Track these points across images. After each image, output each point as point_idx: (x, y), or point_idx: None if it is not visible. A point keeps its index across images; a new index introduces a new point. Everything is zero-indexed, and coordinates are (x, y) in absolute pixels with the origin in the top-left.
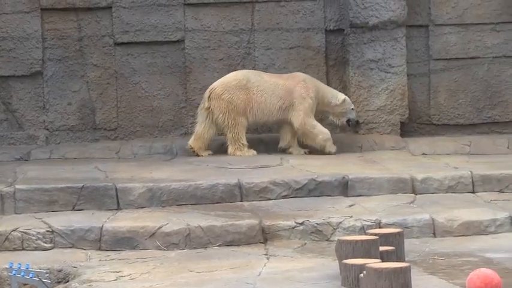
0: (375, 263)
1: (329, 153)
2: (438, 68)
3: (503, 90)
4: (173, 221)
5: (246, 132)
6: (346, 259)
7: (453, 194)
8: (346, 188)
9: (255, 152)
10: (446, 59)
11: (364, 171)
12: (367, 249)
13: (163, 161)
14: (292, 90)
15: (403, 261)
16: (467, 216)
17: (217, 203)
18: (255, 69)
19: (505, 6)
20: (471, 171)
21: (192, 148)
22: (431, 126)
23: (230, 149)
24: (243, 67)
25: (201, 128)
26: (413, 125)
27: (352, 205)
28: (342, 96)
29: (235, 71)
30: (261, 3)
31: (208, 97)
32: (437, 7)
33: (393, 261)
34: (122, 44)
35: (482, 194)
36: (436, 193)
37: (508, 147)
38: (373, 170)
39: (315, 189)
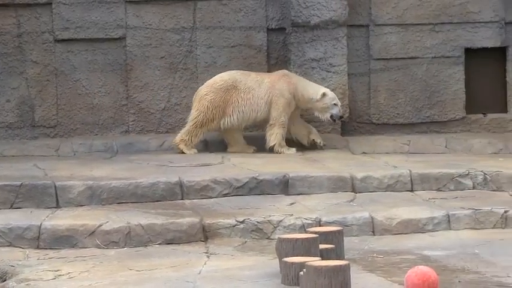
0: (314, 261)
1: (277, 152)
2: (378, 68)
3: (441, 90)
4: (113, 219)
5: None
6: (286, 257)
7: (392, 193)
8: (287, 186)
9: (195, 151)
10: (386, 58)
11: (304, 170)
12: (307, 247)
13: (103, 159)
14: (274, 86)
15: (343, 259)
16: (405, 215)
17: (158, 201)
18: (196, 68)
19: (443, 7)
20: (410, 170)
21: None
22: (371, 126)
23: (177, 137)
24: (185, 65)
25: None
26: (353, 124)
27: (292, 203)
28: (321, 91)
29: (178, 69)
30: (203, 2)
31: (194, 99)
32: (378, 7)
33: (333, 259)
34: (62, 40)
35: (420, 193)
36: (376, 191)
37: (446, 147)
38: (314, 168)
39: (256, 187)
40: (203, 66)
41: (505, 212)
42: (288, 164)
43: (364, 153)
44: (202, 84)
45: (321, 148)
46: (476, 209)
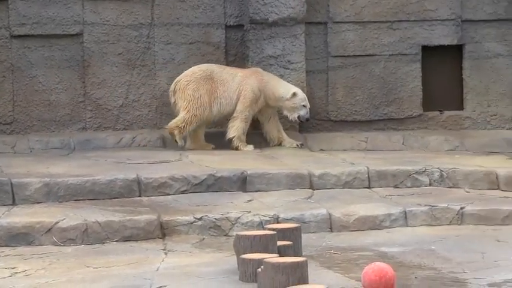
0: (272, 258)
1: (236, 149)
2: (336, 65)
3: (398, 88)
4: (70, 216)
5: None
6: (244, 254)
7: (350, 189)
8: (245, 183)
9: (183, 142)
10: (344, 56)
11: (262, 167)
12: (265, 244)
13: (60, 155)
14: (245, 81)
15: (301, 255)
16: (363, 211)
17: (115, 198)
18: (154, 64)
19: (400, 5)
20: (367, 167)
21: (192, 149)
22: (329, 123)
23: (170, 124)
24: (143, 61)
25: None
26: (311, 121)
27: (250, 200)
28: (292, 90)
29: (135, 66)
30: None
31: (173, 90)
32: (336, 5)
33: (291, 256)
34: (19, 36)
35: (378, 189)
36: (333, 188)
37: (403, 144)
38: (272, 165)
39: (214, 184)
40: (161, 63)
41: (461, 208)
42: (246, 161)
43: (322, 150)
44: (160, 81)
45: (300, 148)
46: (432, 206)
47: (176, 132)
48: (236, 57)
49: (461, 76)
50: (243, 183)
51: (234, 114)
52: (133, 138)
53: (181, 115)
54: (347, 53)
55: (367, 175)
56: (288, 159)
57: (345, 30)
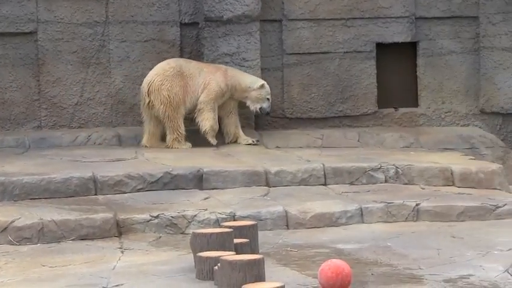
0: (229, 256)
1: (209, 143)
2: (291, 63)
3: (353, 85)
4: (26, 215)
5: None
6: (200, 252)
7: (306, 187)
8: (201, 181)
9: (190, 145)
10: (299, 53)
11: (218, 164)
12: (221, 242)
13: (15, 154)
14: (211, 76)
15: (257, 253)
16: (319, 209)
17: (71, 196)
18: (109, 62)
19: (355, 2)
20: (323, 164)
21: (148, 147)
22: (284, 120)
23: (168, 140)
24: (97, 59)
25: (151, 126)
26: (267, 119)
27: (207, 198)
28: (260, 82)
29: (90, 64)
30: None
31: (147, 91)
32: (290, 2)
33: (247, 254)
34: None
35: (333, 187)
36: (290, 186)
37: (358, 141)
38: (228, 163)
39: (170, 182)
40: (116, 61)
41: (417, 205)
42: (202, 158)
43: (277, 147)
44: (115, 79)
45: (256, 144)
46: (388, 203)
47: (176, 144)
48: (191, 55)
49: (415, 73)
50: (199, 181)
51: (199, 106)
52: (89, 136)
53: (166, 125)
54: (302, 51)
55: (323, 172)
56: (244, 156)
57: (299, 27)
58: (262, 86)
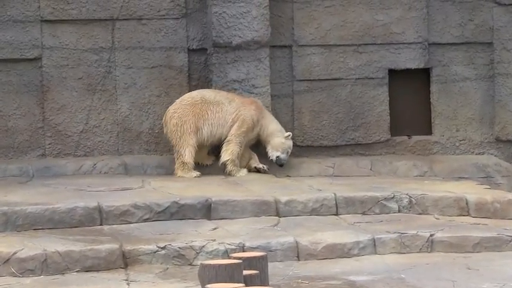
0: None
1: (229, 174)
2: (302, 89)
3: (365, 112)
4: (29, 246)
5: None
6: (209, 284)
7: (317, 217)
8: (209, 210)
9: (198, 174)
10: (310, 80)
11: (227, 194)
12: (230, 273)
13: (18, 183)
14: (244, 107)
15: (267, 285)
16: (331, 239)
17: (75, 227)
18: (115, 89)
19: (366, 28)
20: (335, 194)
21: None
22: (295, 148)
23: (175, 169)
24: (103, 86)
25: None
26: None
27: (215, 228)
28: (287, 133)
29: (96, 90)
30: (122, 21)
31: (164, 121)
32: (301, 28)
33: (257, 286)
34: None
35: (345, 216)
36: (300, 215)
37: (370, 169)
38: (237, 192)
39: (178, 212)
40: (122, 88)
41: (431, 235)
42: (210, 187)
43: (288, 176)
44: (121, 106)
45: (265, 172)
46: (401, 233)
47: (179, 173)
48: (199, 81)
49: (429, 100)
50: (207, 210)
51: (228, 138)
52: (94, 164)
53: (175, 153)
54: (313, 77)
55: (334, 202)
56: (253, 185)
57: (310, 53)
58: (288, 137)
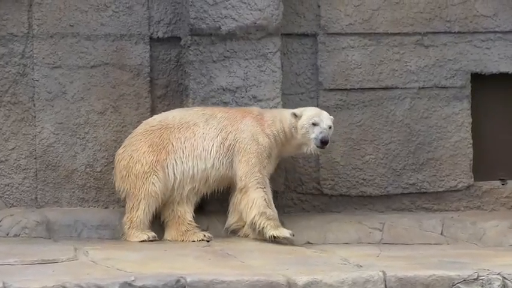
0: None
1: (273, 238)
2: (332, 104)
3: (434, 142)
4: None
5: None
6: None
7: None
8: None
9: (152, 235)
10: (346, 89)
11: (211, 271)
12: None
13: None
14: (235, 129)
15: None
16: None
17: None
18: (33, 101)
19: (436, 7)
20: (383, 272)
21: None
22: (320, 198)
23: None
24: (13, 97)
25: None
26: (291, 196)
27: None
28: (291, 111)
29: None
30: None
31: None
32: (332, 6)
33: None
34: None
35: None
36: None
37: (441, 234)
38: (227, 268)
39: None
40: (44, 99)
41: None
42: (184, 260)
43: (308, 243)
44: (43, 128)
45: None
46: None
47: (127, 230)
48: (168, 91)
49: None
50: None
51: (239, 185)
52: None
53: (128, 203)
54: (350, 85)
55: (383, 285)
56: (252, 257)
57: (346, 47)
58: (294, 116)
